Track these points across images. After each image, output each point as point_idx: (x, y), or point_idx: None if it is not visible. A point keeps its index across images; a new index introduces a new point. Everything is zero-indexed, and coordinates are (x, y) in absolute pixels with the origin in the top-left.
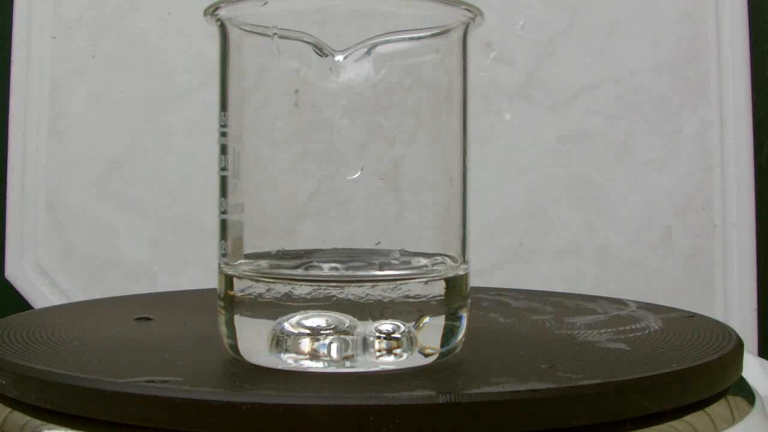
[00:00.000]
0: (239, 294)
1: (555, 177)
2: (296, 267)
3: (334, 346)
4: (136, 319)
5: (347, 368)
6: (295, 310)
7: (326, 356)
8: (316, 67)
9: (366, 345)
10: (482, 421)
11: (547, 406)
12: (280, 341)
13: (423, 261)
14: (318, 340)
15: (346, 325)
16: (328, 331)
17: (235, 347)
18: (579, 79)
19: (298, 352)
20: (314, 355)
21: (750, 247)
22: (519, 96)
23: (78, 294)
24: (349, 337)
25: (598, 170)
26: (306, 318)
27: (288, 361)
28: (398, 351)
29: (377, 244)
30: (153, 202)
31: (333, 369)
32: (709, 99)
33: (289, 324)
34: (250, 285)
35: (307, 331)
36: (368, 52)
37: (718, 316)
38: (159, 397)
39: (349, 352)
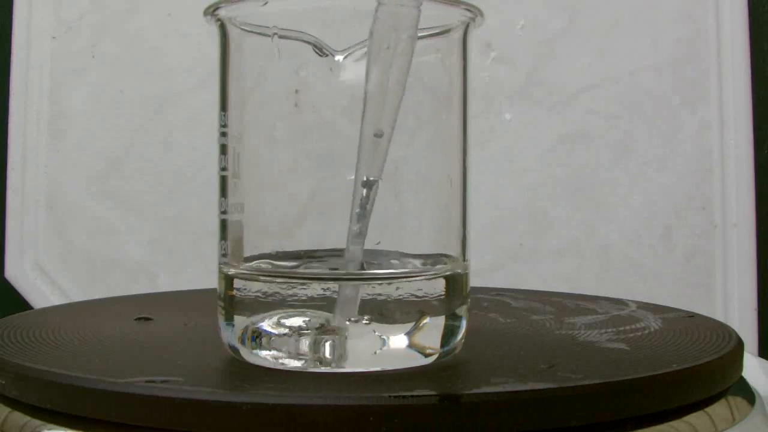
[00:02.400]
0: (239, 294)
1: (555, 177)
2: (296, 267)
3: (305, 343)
4: (136, 319)
5: (336, 368)
6: (296, 309)
7: (305, 355)
8: (316, 67)
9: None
10: (482, 421)
11: (547, 406)
12: (255, 338)
13: (423, 261)
14: (298, 338)
15: (331, 324)
16: (307, 331)
17: (235, 347)
18: (579, 79)
19: (278, 350)
20: (293, 354)
21: (750, 247)
22: (519, 96)
23: (78, 294)
24: (331, 337)
25: (598, 170)
26: (286, 317)
27: (267, 358)
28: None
29: (377, 244)
30: (153, 202)
31: (329, 369)
32: (709, 99)
33: (269, 323)
34: (250, 285)
35: (287, 331)
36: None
37: (718, 316)
38: (159, 397)
39: (327, 351)
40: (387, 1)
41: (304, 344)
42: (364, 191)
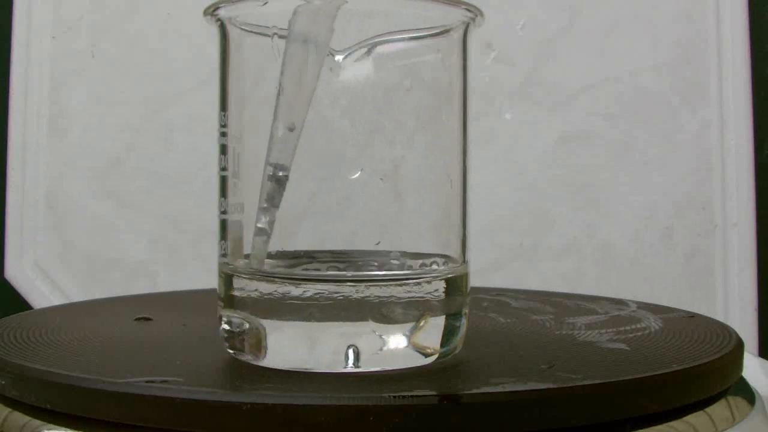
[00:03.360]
0: (239, 294)
1: (555, 177)
2: (296, 267)
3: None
4: (136, 319)
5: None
6: (295, 309)
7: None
8: None
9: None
10: (482, 421)
11: (547, 406)
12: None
13: (423, 261)
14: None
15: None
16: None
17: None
18: (579, 79)
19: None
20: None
21: (750, 247)
22: (519, 96)
23: (78, 294)
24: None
25: (598, 170)
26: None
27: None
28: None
29: (377, 244)
30: (153, 202)
31: (329, 369)
32: (709, 99)
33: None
34: (250, 285)
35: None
36: (368, 52)
37: (718, 316)
38: (159, 397)
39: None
40: None
41: (306, 345)
42: (270, 185)
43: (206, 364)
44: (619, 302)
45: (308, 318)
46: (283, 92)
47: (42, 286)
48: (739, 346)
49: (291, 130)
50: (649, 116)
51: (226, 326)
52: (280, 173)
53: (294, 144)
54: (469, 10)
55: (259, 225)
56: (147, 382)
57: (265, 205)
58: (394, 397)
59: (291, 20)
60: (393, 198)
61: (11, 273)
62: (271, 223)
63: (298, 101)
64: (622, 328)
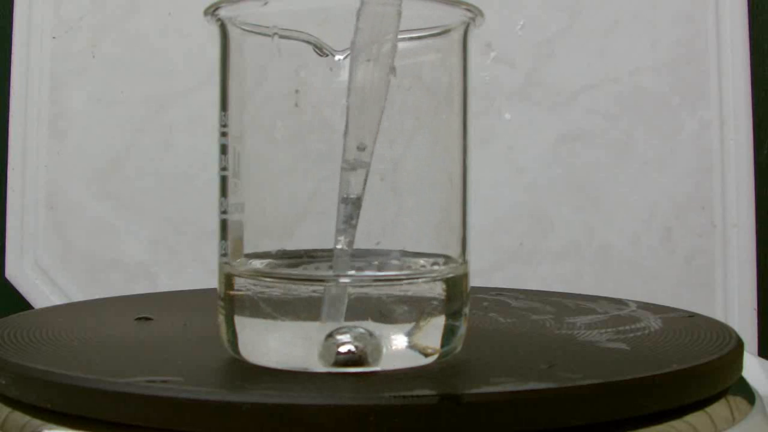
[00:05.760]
0: (239, 294)
1: (555, 177)
2: (296, 267)
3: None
4: (136, 319)
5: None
6: (295, 309)
7: (306, 355)
8: (316, 67)
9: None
10: (482, 421)
11: (547, 406)
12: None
13: (423, 261)
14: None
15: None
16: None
17: (235, 347)
18: (579, 79)
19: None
20: (294, 354)
21: (750, 247)
22: (519, 96)
23: (78, 294)
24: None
25: (598, 170)
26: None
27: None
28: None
29: (377, 244)
30: (153, 202)
31: (329, 369)
32: (709, 99)
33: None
34: (250, 285)
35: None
36: None
37: (718, 316)
38: (159, 397)
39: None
40: (369, 0)
41: (306, 345)
42: (344, 207)
43: (206, 364)
44: (619, 302)
45: (308, 318)
46: (351, 110)
47: (42, 286)
48: (739, 345)
49: (361, 150)
50: (649, 116)
51: (226, 326)
52: (352, 196)
53: (367, 165)
54: (469, 11)
55: (338, 247)
56: (147, 382)
57: (342, 226)
58: (394, 397)
59: (354, 35)
60: (393, 198)
61: (11, 273)
62: (350, 243)
63: (369, 119)
64: (621, 328)
